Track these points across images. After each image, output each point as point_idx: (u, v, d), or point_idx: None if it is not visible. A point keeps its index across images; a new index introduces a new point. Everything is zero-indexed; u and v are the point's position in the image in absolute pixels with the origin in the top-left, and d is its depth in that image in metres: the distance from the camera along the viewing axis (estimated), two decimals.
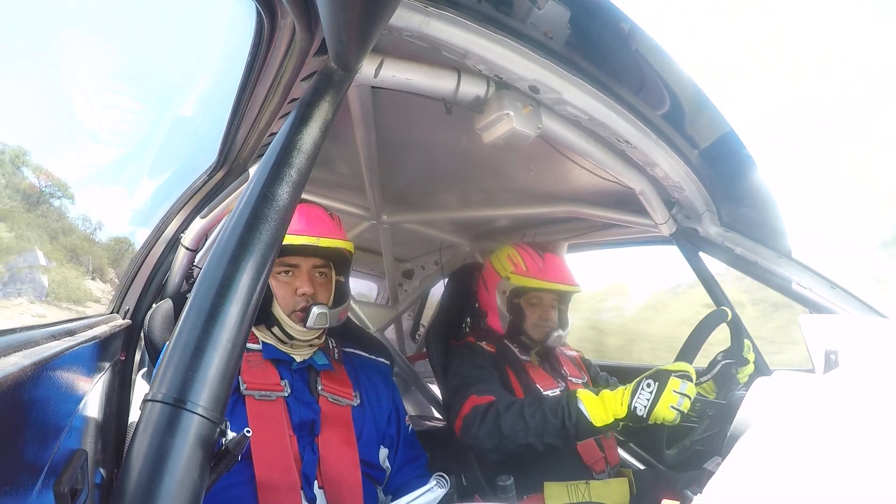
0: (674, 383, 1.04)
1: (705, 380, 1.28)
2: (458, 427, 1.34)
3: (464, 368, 1.47)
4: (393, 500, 1.04)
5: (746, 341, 1.31)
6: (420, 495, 0.79)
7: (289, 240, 1.06)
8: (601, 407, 1.12)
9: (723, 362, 1.27)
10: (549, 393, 1.50)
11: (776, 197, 1.25)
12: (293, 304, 1.10)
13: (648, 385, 1.06)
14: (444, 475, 0.82)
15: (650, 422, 1.06)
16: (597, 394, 1.16)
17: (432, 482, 0.82)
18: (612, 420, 1.11)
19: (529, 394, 1.48)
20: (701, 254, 1.49)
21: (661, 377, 1.06)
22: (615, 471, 1.50)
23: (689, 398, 1.05)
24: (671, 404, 1.04)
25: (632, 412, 1.07)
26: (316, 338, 1.15)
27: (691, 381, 1.06)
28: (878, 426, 0.56)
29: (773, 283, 1.38)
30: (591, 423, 1.13)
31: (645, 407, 1.05)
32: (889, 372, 0.81)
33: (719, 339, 1.35)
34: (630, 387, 1.11)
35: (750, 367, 1.30)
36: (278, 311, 1.10)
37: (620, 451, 1.67)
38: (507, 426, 1.22)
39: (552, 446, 1.19)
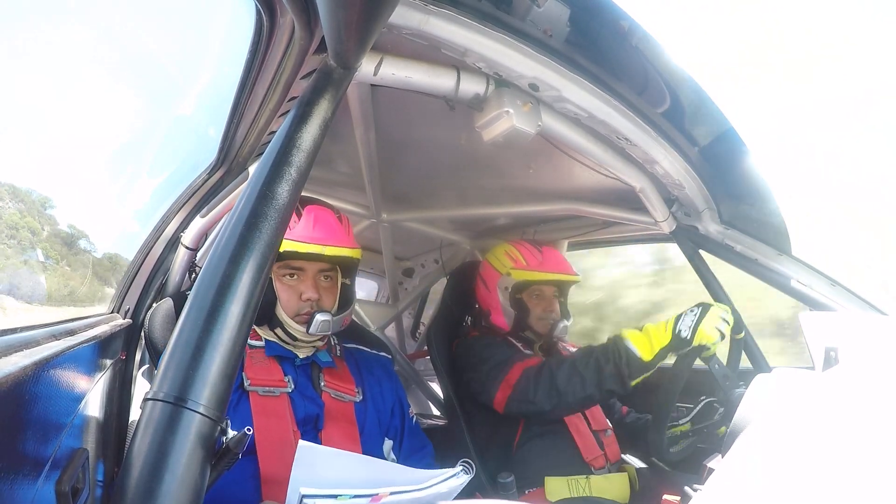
0: (716, 309, 1.11)
1: (684, 422, 1.27)
2: (506, 397, 1.33)
3: (491, 354, 1.46)
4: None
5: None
6: (446, 478, 0.77)
7: (294, 247, 1.06)
8: (646, 340, 1.17)
9: (705, 400, 1.28)
10: None
11: (776, 194, 1.26)
12: (297, 309, 1.10)
13: (693, 311, 1.13)
14: (470, 462, 0.81)
15: (694, 343, 1.12)
16: (640, 329, 1.21)
17: (458, 468, 0.80)
18: (659, 349, 1.16)
19: None
20: (701, 251, 1.49)
21: (704, 305, 1.13)
22: (616, 467, 1.50)
23: (729, 325, 1.11)
24: (715, 325, 1.10)
25: (676, 335, 1.13)
26: (319, 339, 1.15)
27: (731, 313, 1.12)
28: (877, 423, 0.56)
29: (772, 280, 1.38)
30: (641, 358, 1.18)
31: (689, 328, 1.11)
32: (889, 369, 0.81)
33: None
34: (673, 318, 1.16)
35: (723, 430, 1.23)
36: (282, 314, 1.10)
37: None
38: (563, 383, 1.24)
39: (611, 392, 1.24)
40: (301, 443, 0.68)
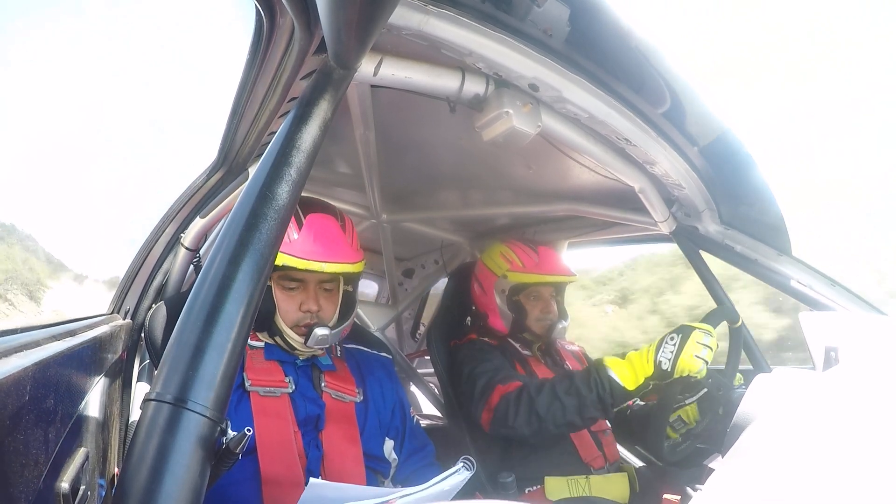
0: (697, 335, 1.05)
1: (690, 402, 1.23)
2: (488, 420, 1.33)
3: (478, 369, 1.47)
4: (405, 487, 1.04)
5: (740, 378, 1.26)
6: (448, 476, 0.78)
7: (293, 262, 1.04)
8: (630, 369, 1.14)
9: (710, 381, 1.24)
10: None
11: (776, 195, 1.26)
12: (296, 319, 1.09)
13: (672, 338, 1.08)
14: (471, 458, 0.82)
15: (675, 375, 1.07)
16: (622, 357, 1.17)
17: (459, 464, 0.80)
18: (643, 380, 1.13)
19: None
20: (701, 251, 1.49)
21: (683, 331, 1.08)
22: (615, 467, 1.50)
23: (713, 349, 1.06)
24: (695, 353, 1.05)
25: (657, 367, 1.08)
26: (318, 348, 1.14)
27: (713, 336, 1.07)
28: (877, 423, 0.56)
29: (772, 280, 1.38)
30: (624, 388, 1.14)
31: (669, 360, 1.07)
32: (889, 369, 0.81)
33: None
34: (654, 344, 1.11)
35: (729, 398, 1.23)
36: (281, 324, 1.09)
37: (620, 449, 1.68)
38: (543, 409, 1.21)
39: (593, 419, 1.22)
40: (312, 480, 0.69)
